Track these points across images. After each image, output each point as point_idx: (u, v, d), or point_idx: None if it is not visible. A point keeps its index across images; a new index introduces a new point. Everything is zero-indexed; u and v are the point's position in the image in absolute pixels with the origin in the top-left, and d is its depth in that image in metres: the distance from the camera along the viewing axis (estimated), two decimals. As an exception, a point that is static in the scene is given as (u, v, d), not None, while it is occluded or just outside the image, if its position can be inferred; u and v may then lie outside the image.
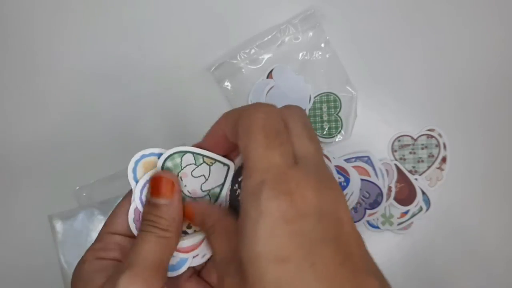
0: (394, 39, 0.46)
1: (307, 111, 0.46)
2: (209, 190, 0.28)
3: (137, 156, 0.27)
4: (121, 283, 0.23)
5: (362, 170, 0.44)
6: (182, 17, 0.47)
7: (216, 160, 0.28)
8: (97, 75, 0.47)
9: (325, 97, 0.46)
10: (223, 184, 0.28)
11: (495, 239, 0.44)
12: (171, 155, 0.27)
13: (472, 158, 0.45)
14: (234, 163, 0.28)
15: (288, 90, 0.46)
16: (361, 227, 0.45)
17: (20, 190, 0.47)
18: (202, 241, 0.27)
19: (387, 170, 0.45)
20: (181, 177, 0.27)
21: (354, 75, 0.46)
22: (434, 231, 0.45)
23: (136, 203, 0.27)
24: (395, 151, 0.46)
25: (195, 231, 0.28)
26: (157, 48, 0.47)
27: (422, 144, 0.45)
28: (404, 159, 0.45)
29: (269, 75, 0.46)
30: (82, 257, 0.26)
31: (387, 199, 0.44)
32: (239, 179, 0.28)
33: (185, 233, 0.28)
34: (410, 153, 0.45)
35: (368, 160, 0.45)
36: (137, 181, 0.27)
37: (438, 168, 0.45)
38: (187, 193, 0.27)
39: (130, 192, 0.27)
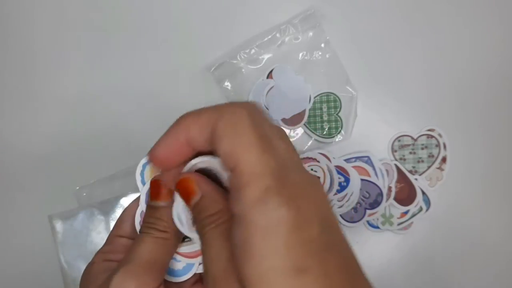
0: (394, 39, 0.46)
1: (307, 111, 0.46)
2: None
3: (144, 159, 0.27)
4: (114, 279, 0.23)
5: (362, 170, 0.44)
6: (182, 17, 0.47)
7: None
8: (98, 75, 0.47)
9: (325, 97, 0.46)
10: None
11: (495, 239, 0.44)
12: None
13: (472, 158, 0.45)
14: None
15: (288, 90, 0.46)
16: (361, 227, 0.45)
17: (20, 190, 0.47)
18: None
19: (387, 170, 0.45)
20: None
21: (354, 75, 0.46)
22: (434, 231, 0.45)
23: (142, 207, 0.27)
24: (395, 151, 0.46)
25: None
26: (157, 48, 0.47)
27: (422, 144, 0.45)
28: (404, 159, 0.45)
29: (269, 75, 0.46)
30: (92, 259, 0.27)
31: (387, 199, 0.44)
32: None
33: None
34: (410, 153, 0.45)
35: (368, 160, 0.45)
36: (144, 184, 0.27)
37: (438, 168, 0.45)
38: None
39: (139, 196, 0.27)
